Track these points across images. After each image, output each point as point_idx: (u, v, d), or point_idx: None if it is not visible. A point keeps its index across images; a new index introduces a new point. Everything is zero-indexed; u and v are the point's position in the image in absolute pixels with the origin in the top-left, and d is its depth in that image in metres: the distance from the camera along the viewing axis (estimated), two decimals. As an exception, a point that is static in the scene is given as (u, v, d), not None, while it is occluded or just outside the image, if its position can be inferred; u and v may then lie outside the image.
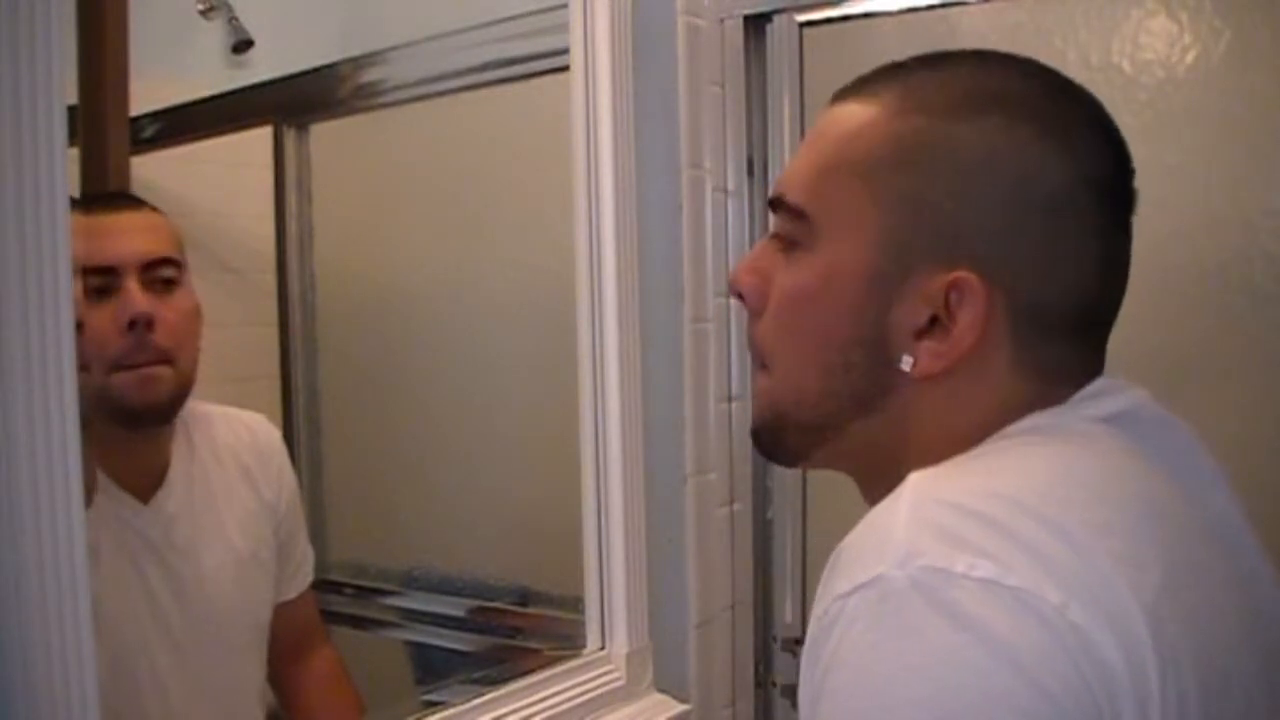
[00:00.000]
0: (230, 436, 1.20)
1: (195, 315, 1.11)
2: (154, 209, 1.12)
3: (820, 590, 0.50)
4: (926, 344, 0.56)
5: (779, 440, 0.63)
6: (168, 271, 1.08)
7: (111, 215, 1.07)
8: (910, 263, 0.56)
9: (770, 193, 0.63)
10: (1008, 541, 0.46)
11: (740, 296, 0.63)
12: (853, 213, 0.57)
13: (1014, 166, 0.55)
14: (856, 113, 0.59)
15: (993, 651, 0.44)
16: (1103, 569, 0.46)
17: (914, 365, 0.56)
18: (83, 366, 0.99)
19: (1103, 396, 0.57)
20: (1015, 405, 0.56)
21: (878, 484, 0.57)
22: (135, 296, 1.04)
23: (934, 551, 0.46)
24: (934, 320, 0.55)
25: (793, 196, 0.60)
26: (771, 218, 0.63)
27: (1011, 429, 0.55)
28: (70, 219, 0.92)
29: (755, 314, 0.63)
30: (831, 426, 0.60)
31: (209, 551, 1.15)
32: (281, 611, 1.24)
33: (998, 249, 0.55)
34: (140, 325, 1.04)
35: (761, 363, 0.63)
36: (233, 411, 1.23)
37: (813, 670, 0.48)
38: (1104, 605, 0.45)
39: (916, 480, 0.51)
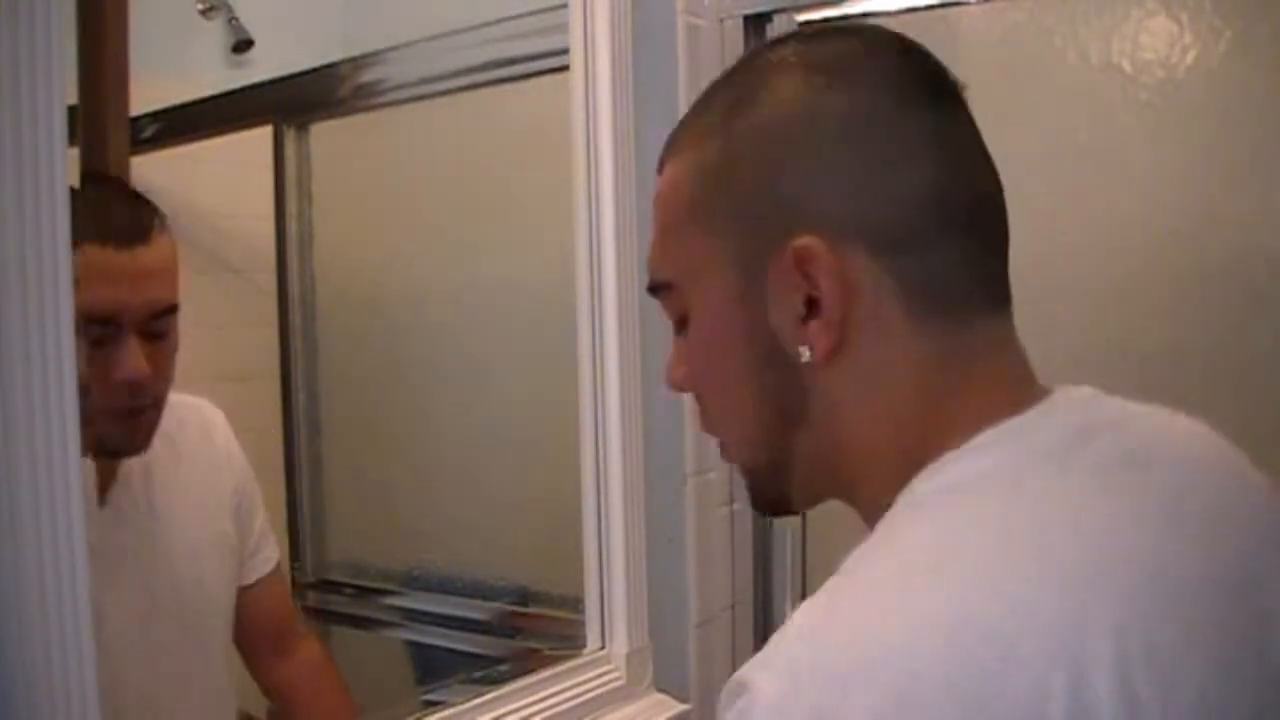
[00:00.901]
0: (174, 424, 1.16)
1: (177, 348, 1.08)
2: (164, 229, 1.06)
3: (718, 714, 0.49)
4: (812, 326, 0.55)
5: (764, 494, 0.64)
6: (167, 321, 1.05)
7: (123, 253, 1.00)
8: (760, 264, 0.56)
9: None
10: (893, 707, 0.42)
11: (683, 391, 0.65)
12: (698, 256, 0.59)
13: (794, 122, 0.56)
14: (667, 173, 0.61)
15: None
16: None
17: (811, 350, 0.55)
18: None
19: (1060, 416, 0.54)
20: (930, 358, 0.54)
21: (857, 501, 0.58)
22: (135, 356, 1.00)
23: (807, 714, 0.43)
24: (810, 302, 0.55)
25: (653, 275, 0.63)
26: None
27: (945, 467, 0.52)
28: (73, 256, 0.86)
29: (696, 399, 0.64)
30: (783, 453, 0.60)
31: (169, 539, 1.14)
32: (249, 598, 1.22)
33: (818, 202, 0.55)
34: (134, 383, 1.01)
35: (719, 439, 0.64)
36: (176, 397, 1.17)
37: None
38: None
39: (813, 606, 0.48)
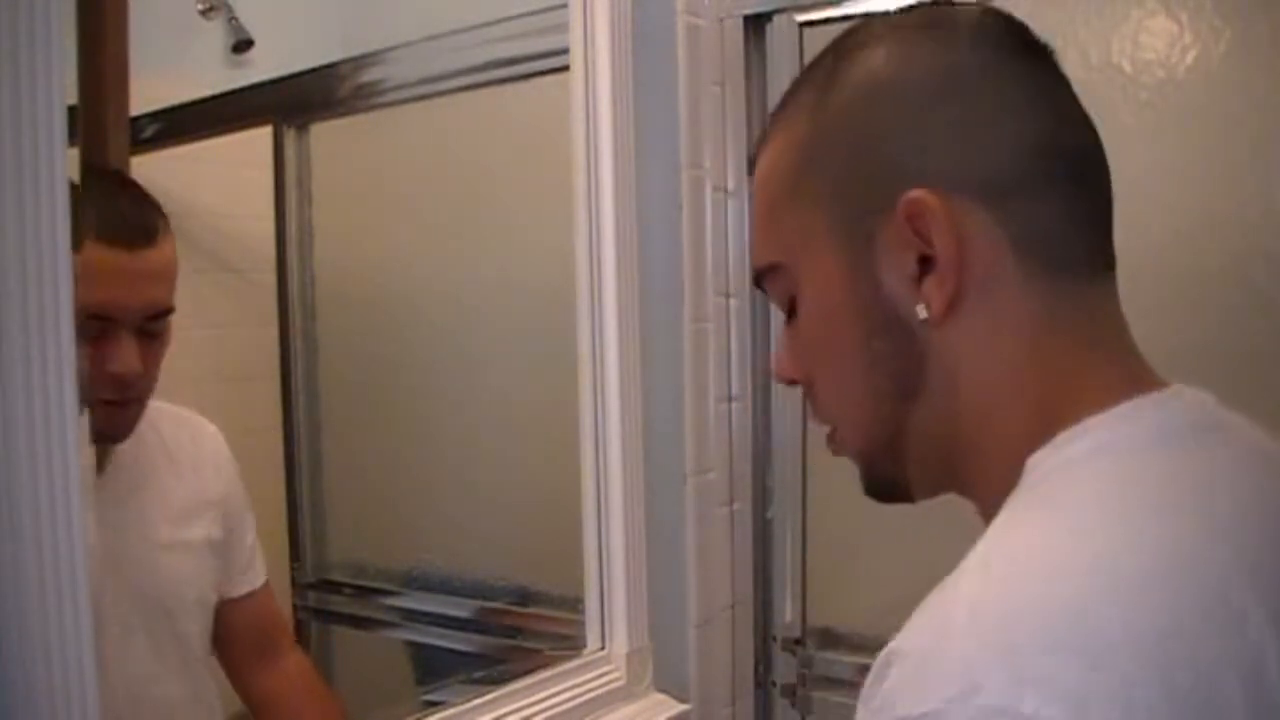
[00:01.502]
0: (172, 428, 1.20)
1: (167, 347, 1.10)
2: (167, 231, 1.07)
3: (865, 690, 0.47)
4: (927, 282, 0.54)
5: (878, 477, 0.62)
6: (163, 321, 1.07)
7: (129, 255, 1.02)
8: (868, 228, 0.55)
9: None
10: (1084, 673, 0.41)
11: (793, 383, 0.64)
12: (803, 232, 0.58)
13: (890, 85, 0.56)
14: (765, 155, 0.61)
15: None
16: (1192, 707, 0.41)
17: (928, 306, 0.54)
18: None
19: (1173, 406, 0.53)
20: (1043, 314, 0.54)
21: (973, 474, 0.56)
22: (129, 353, 1.03)
23: (995, 685, 0.41)
24: (923, 260, 0.54)
25: (759, 260, 0.62)
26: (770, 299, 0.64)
27: (1062, 441, 0.51)
28: (72, 255, 0.91)
29: (807, 387, 0.63)
30: (898, 428, 0.58)
31: (155, 530, 1.15)
32: (236, 609, 1.23)
33: (923, 158, 0.54)
34: (125, 377, 1.04)
35: (830, 427, 0.63)
36: (173, 408, 1.22)
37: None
38: None
39: (973, 573, 0.47)
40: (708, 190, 1.32)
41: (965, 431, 0.56)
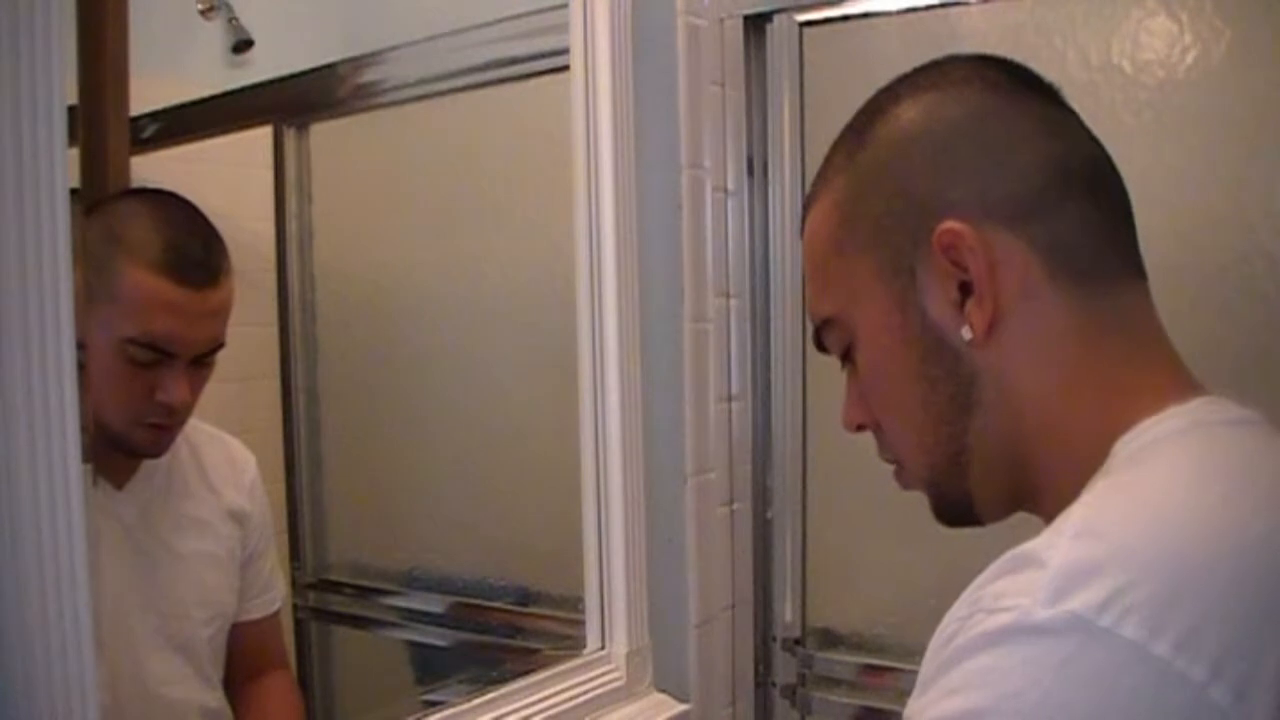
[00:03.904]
0: (207, 446, 1.24)
1: (210, 376, 1.14)
2: (229, 271, 1.11)
3: (980, 578, 0.49)
4: (968, 306, 0.58)
5: (946, 499, 0.65)
6: (214, 356, 1.11)
7: (195, 293, 1.06)
8: (909, 265, 0.60)
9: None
10: (1167, 595, 0.44)
11: (862, 429, 0.68)
12: (852, 280, 0.64)
13: (914, 135, 0.62)
14: (810, 219, 0.67)
15: None
16: (1263, 637, 0.44)
17: (971, 328, 0.58)
18: (101, 415, 1.02)
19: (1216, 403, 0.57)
20: (1080, 323, 0.58)
21: (1039, 485, 0.60)
22: (182, 385, 1.06)
23: (1084, 596, 0.44)
24: (963, 287, 0.59)
25: (816, 315, 0.67)
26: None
27: (1148, 425, 0.54)
28: (152, 281, 1.03)
29: (875, 429, 0.67)
30: (961, 449, 0.62)
31: (178, 540, 1.17)
32: (246, 631, 1.25)
33: (949, 193, 0.59)
34: (175, 405, 1.08)
35: (899, 465, 0.66)
36: (212, 429, 1.26)
37: (938, 654, 0.49)
38: (1257, 685, 0.43)
39: (1087, 501, 0.51)
40: (708, 190, 1.32)
41: (1024, 443, 0.59)
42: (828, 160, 0.67)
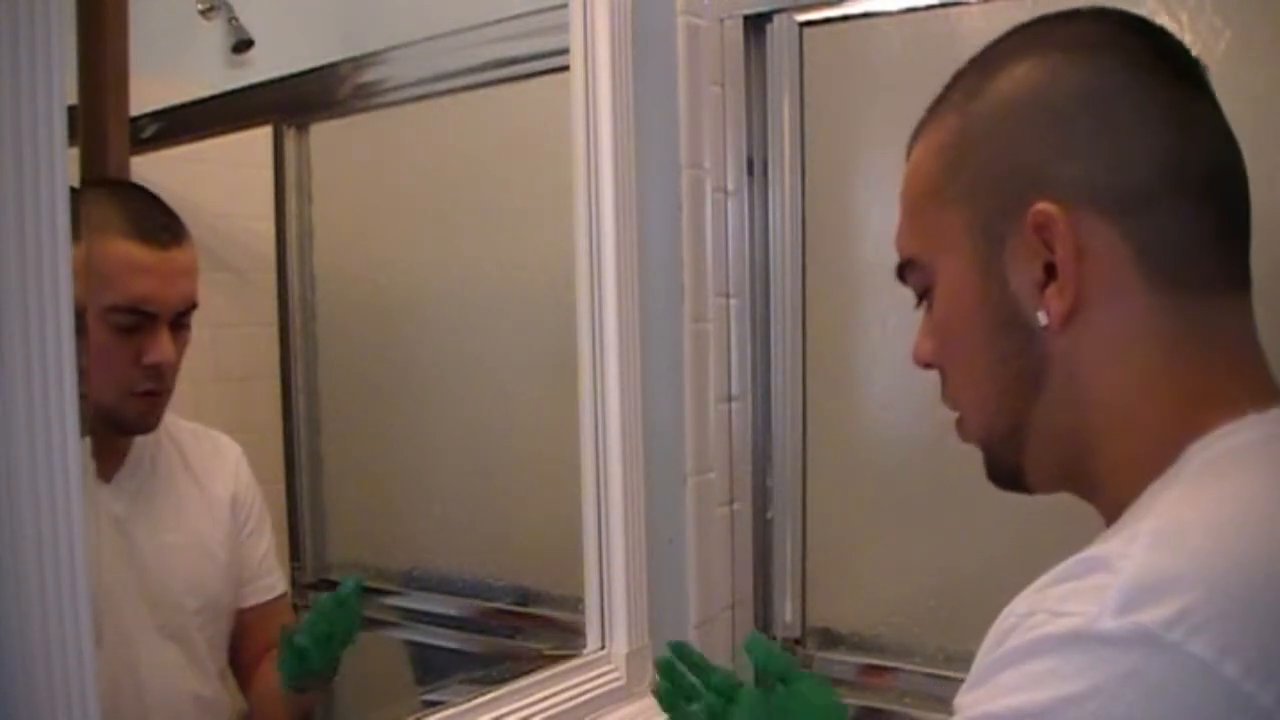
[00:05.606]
0: (192, 440, 1.26)
1: (189, 341, 1.18)
2: (189, 235, 1.16)
3: (1046, 577, 0.48)
4: (1049, 291, 0.57)
5: (999, 464, 0.64)
6: (189, 316, 1.15)
7: (163, 252, 1.11)
8: (1000, 232, 0.58)
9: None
10: (1239, 616, 0.43)
11: (929, 367, 0.67)
12: (941, 231, 0.62)
13: (1030, 96, 0.58)
14: (916, 154, 0.65)
15: None
16: None
17: (1048, 314, 0.57)
18: (93, 393, 1.03)
19: None
20: (1171, 329, 0.55)
21: (1096, 475, 0.58)
22: (165, 344, 1.11)
23: (1154, 610, 0.43)
24: (1049, 268, 0.56)
25: (901, 251, 0.66)
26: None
27: (1225, 432, 0.53)
28: (125, 247, 1.07)
29: (940, 372, 0.66)
30: (1020, 420, 0.60)
31: (166, 531, 1.19)
32: (249, 618, 1.26)
33: (1053, 169, 0.57)
34: (162, 366, 1.11)
35: (958, 414, 0.66)
36: (194, 425, 1.28)
37: (993, 648, 0.48)
38: None
39: (1161, 511, 0.49)
40: (708, 190, 1.32)
41: (1088, 435, 0.58)
42: (945, 95, 0.64)
